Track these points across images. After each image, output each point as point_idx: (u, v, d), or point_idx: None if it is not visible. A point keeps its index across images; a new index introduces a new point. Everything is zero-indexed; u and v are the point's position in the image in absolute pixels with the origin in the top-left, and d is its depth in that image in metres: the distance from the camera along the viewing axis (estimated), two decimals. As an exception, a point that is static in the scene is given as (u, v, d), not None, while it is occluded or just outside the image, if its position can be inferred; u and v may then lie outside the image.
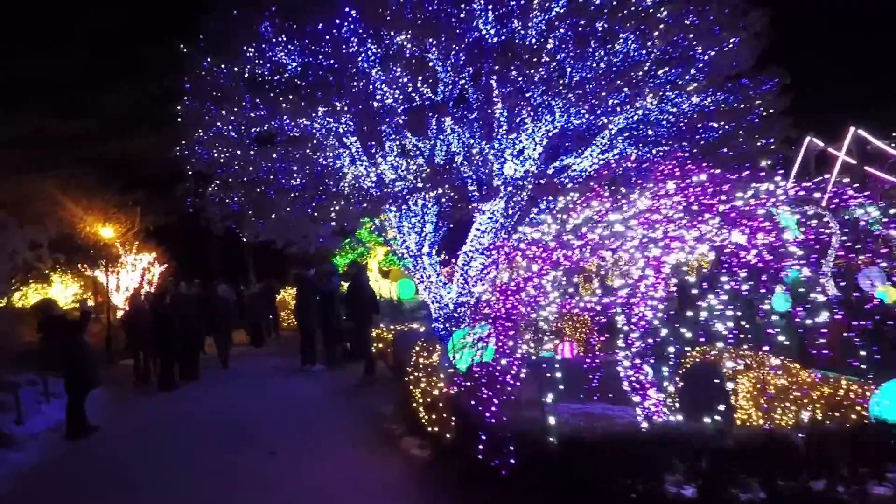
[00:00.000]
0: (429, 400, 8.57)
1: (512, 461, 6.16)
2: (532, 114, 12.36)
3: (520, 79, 11.56)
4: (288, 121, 13.98)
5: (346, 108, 12.65)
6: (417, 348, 11.63)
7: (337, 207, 12.85)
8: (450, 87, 12.97)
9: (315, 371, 14.72)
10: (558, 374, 7.31)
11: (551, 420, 5.83)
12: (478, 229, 14.60)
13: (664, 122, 12.77)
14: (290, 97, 13.54)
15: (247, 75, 14.55)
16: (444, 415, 8.16)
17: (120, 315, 20.29)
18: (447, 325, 15.33)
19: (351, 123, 13.82)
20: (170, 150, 15.34)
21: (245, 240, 17.19)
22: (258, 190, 13.78)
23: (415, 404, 9.53)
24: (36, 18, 37.96)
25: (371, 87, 12.76)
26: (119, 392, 13.52)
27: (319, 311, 14.85)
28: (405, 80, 12.20)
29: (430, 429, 8.53)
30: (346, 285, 17.78)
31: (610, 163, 13.38)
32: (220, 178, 14.95)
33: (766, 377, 12.46)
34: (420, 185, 12.67)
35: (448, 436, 8.06)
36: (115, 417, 11.54)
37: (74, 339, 10.67)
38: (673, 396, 12.92)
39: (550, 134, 13.32)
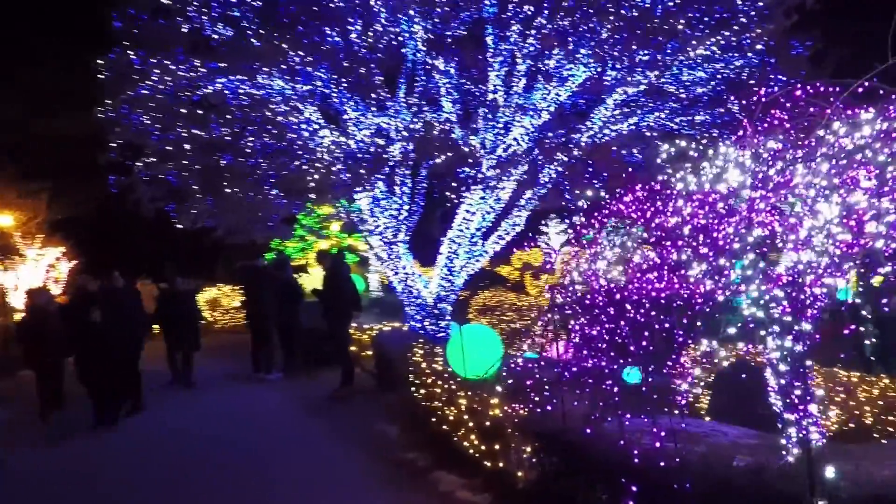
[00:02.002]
0: (486, 424, 5.99)
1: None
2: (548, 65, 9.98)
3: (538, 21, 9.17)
4: (242, 81, 11.04)
5: (325, 54, 9.86)
6: (421, 351, 9.04)
7: (317, 176, 10.00)
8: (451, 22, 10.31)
9: (272, 380, 11.79)
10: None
11: (830, 472, 3.38)
12: (468, 210, 12.09)
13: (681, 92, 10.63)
14: (245, 48, 10.67)
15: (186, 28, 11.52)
16: (514, 446, 5.64)
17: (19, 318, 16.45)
18: (425, 322, 12.77)
19: (319, 83, 11.05)
20: (90, 129, 12.15)
21: (180, 226, 13.96)
22: (208, 158, 10.76)
23: (445, 426, 6.94)
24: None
25: (357, 26, 10.03)
26: (23, 416, 10.09)
27: (277, 308, 11.91)
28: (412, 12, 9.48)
29: (486, 463, 5.97)
30: (304, 276, 14.98)
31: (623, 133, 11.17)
32: (154, 150, 11.81)
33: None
34: (415, 151, 10.04)
35: (520, 474, 5.54)
36: (16, 455, 8.26)
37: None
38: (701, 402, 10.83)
39: (560, 98, 10.98)
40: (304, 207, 16.26)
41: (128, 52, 11.48)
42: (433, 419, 7.33)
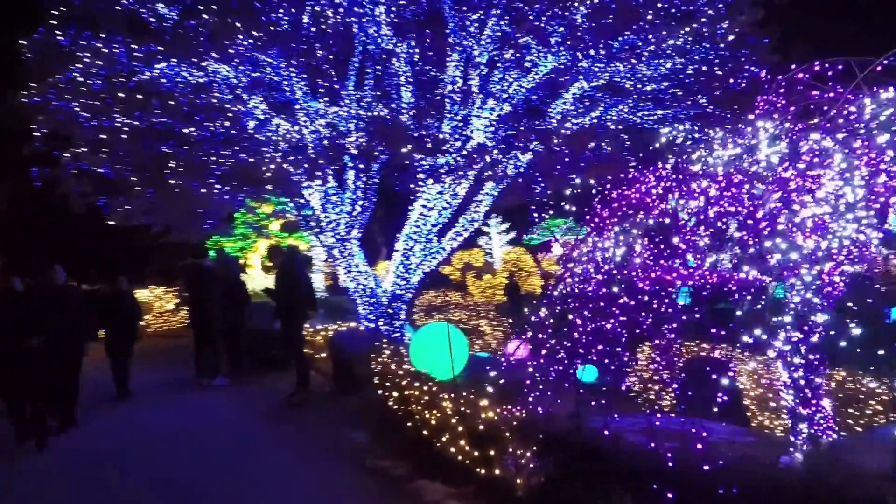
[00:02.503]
0: (480, 427, 5.51)
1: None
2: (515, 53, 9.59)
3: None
4: (184, 66, 10.19)
5: (277, 37, 9.17)
6: (388, 352, 8.49)
7: (272, 166, 9.27)
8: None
9: (218, 386, 10.92)
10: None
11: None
12: (425, 206, 11.59)
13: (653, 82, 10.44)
14: (189, 30, 9.88)
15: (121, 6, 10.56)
16: (512, 450, 5.17)
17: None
18: (379, 322, 12.21)
19: (269, 69, 10.34)
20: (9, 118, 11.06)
21: (112, 223, 12.85)
22: (149, 147, 9.87)
23: (426, 431, 6.41)
24: None
25: (314, 7, 9.38)
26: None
27: (223, 309, 11.05)
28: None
29: (479, 470, 5.48)
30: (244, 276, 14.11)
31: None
32: (86, 139, 10.79)
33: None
34: (373, 142, 9.45)
35: (519, 481, 5.09)
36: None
37: None
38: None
39: (523, 90, 10.63)
40: (246, 203, 15.45)
41: (56, 31, 10.49)
42: (409, 423, 6.80)
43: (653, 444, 3.91)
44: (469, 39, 9.87)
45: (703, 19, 8.99)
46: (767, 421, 9.86)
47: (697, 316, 4.05)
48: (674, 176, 4.33)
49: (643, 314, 4.23)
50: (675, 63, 9.36)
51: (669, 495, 3.72)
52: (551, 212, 9.18)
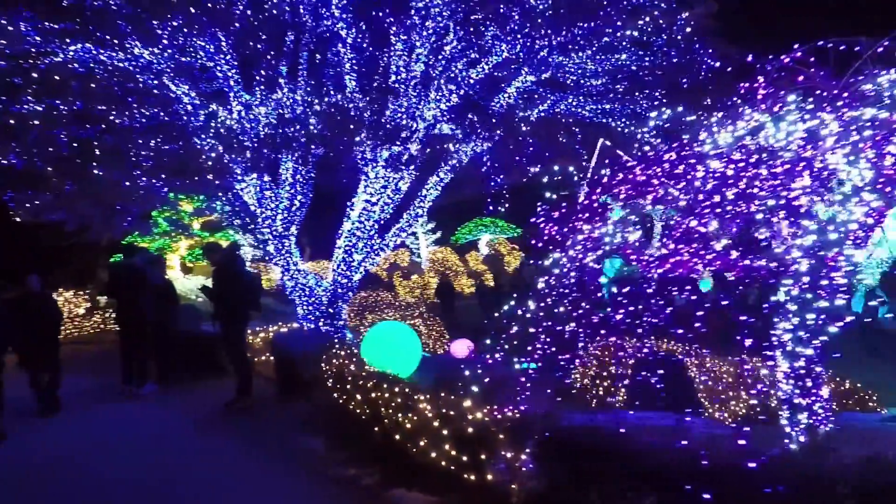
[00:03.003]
0: (469, 431, 5.05)
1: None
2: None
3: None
4: (101, 51, 9.21)
5: (214, 17, 8.41)
6: (343, 353, 7.92)
7: (213, 154, 8.45)
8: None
9: (147, 393, 9.97)
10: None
11: None
12: (367, 201, 11.03)
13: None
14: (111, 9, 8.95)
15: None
16: (505, 453, 4.76)
17: None
18: (319, 323, 11.57)
19: (202, 53, 9.54)
20: None
21: (18, 220, 11.61)
22: (69, 135, 8.85)
23: (397, 436, 5.91)
24: None
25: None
26: None
27: (153, 310, 10.10)
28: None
29: (468, 476, 5.04)
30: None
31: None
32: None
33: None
34: (317, 132, 8.81)
35: (514, 486, 4.69)
36: None
37: None
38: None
39: (472, 79, 10.27)
40: (169, 200, 14.40)
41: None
42: (377, 428, 6.28)
43: (685, 442, 3.60)
44: (425, 21, 9.42)
45: (656, 12, 8.89)
46: (717, 413, 9.92)
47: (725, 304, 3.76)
48: (690, 154, 4.04)
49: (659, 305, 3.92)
50: (632, 56, 9.22)
51: (706, 496, 3.42)
52: (507, 205, 8.83)
